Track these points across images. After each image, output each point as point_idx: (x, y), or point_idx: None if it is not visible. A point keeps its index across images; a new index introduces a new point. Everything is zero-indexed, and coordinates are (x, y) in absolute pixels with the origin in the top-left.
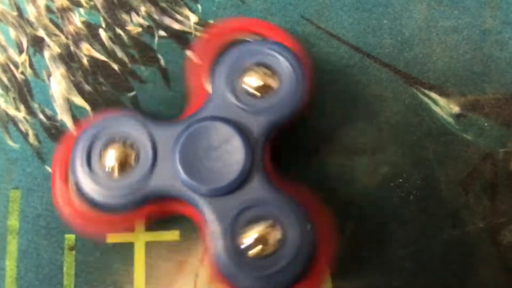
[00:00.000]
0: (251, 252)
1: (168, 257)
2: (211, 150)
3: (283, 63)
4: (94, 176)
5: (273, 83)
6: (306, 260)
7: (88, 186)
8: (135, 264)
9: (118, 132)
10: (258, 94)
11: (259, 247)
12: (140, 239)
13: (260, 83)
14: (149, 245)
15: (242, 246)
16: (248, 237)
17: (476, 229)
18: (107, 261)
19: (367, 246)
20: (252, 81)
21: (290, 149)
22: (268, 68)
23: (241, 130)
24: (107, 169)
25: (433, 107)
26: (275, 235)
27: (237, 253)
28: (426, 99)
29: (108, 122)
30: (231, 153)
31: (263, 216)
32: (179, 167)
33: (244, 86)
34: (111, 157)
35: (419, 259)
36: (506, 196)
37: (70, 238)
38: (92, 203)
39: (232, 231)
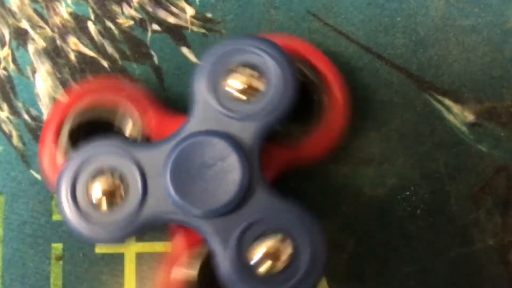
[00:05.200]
0: (262, 269)
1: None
2: (205, 168)
3: (269, 62)
4: (80, 211)
5: (260, 85)
6: (320, 274)
7: (76, 221)
8: (125, 276)
9: (102, 163)
10: (244, 97)
11: (269, 262)
12: (131, 250)
13: (246, 85)
14: (140, 257)
15: (252, 263)
16: (257, 253)
17: (485, 247)
18: (96, 272)
19: (370, 262)
20: (237, 83)
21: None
22: (253, 68)
23: (237, 144)
24: (94, 202)
25: (446, 114)
26: (286, 249)
27: (246, 271)
28: (439, 106)
29: (90, 152)
30: (227, 172)
31: (272, 230)
32: (170, 188)
33: (228, 89)
34: (97, 190)
35: (424, 278)
36: None
37: (57, 247)
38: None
39: (239, 249)
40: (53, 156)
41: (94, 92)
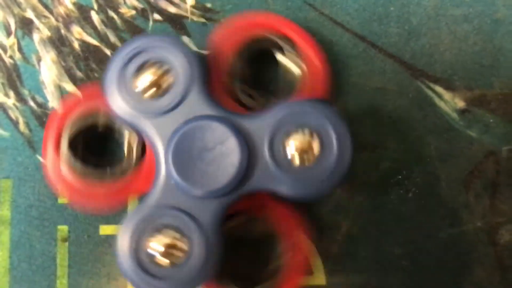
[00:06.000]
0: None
1: None
2: (205, 152)
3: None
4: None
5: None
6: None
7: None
8: None
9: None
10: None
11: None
12: None
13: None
14: None
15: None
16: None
17: (474, 228)
18: (100, 253)
19: (363, 243)
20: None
21: None
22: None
23: (238, 131)
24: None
25: (438, 101)
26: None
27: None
28: (431, 93)
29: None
30: (226, 155)
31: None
32: (173, 170)
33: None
34: (146, 80)
35: (416, 258)
36: (506, 195)
37: (63, 229)
38: None
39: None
40: (57, 167)
41: (87, 100)
